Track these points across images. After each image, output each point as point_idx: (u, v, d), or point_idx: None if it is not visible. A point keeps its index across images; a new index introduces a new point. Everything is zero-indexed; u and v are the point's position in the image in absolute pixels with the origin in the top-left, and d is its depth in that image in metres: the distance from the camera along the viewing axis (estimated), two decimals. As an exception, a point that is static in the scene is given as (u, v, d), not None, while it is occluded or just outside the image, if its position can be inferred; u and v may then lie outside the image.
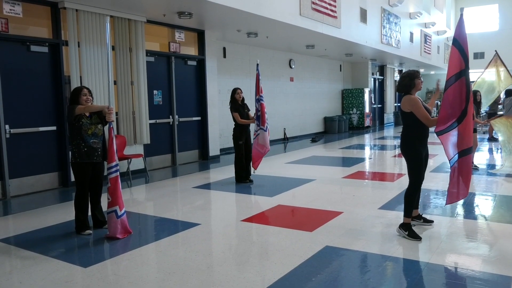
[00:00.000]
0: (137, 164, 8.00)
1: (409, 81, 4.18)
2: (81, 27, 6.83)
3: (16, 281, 3.42)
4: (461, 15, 3.87)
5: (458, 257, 3.73)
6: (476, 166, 7.90)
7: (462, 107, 3.79)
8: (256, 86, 6.97)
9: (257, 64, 7.07)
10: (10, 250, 4.15)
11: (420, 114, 4.04)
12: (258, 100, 6.87)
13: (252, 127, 7.04)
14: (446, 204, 4.17)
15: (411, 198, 4.21)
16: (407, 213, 4.21)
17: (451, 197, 3.98)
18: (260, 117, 6.89)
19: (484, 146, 11.30)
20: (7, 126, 6.26)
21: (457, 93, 3.81)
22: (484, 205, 5.59)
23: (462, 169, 3.89)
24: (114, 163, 4.38)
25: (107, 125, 4.52)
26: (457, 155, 3.89)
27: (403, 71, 4.40)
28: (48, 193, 6.67)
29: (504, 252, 3.76)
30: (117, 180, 4.36)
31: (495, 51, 7.85)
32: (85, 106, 4.47)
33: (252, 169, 7.11)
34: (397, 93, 21.36)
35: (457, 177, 3.91)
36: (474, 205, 5.53)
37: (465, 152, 3.86)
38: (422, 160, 4.18)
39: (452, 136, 3.88)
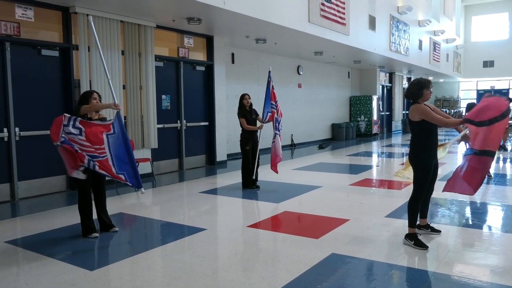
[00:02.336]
0: (145, 168, 8.03)
1: (417, 90, 4.08)
2: (92, 32, 6.89)
3: (22, 283, 3.44)
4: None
5: (466, 267, 3.69)
6: (490, 174, 7.81)
7: (496, 114, 3.66)
8: (271, 93, 6.95)
9: (269, 71, 7.10)
10: (17, 252, 4.19)
11: (433, 119, 3.94)
12: (272, 106, 6.92)
13: (259, 133, 7.07)
14: (443, 190, 4.16)
15: (415, 208, 4.16)
16: (411, 223, 4.16)
17: (450, 186, 4.00)
18: (274, 122, 6.93)
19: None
20: (17, 129, 6.33)
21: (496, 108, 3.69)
22: (492, 214, 5.53)
23: (479, 167, 3.78)
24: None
25: (117, 114, 4.41)
26: (475, 150, 3.79)
27: (414, 79, 4.32)
28: (56, 195, 6.72)
29: (512, 263, 3.72)
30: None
31: None
32: (90, 105, 4.42)
33: (273, 172, 7.18)
34: (405, 100, 21.29)
35: (470, 171, 3.83)
36: (482, 214, 5.48)
37: (487, 152, 3.73)
38: (430, 171, 4.12)
39: (477, 132, 3.77)
